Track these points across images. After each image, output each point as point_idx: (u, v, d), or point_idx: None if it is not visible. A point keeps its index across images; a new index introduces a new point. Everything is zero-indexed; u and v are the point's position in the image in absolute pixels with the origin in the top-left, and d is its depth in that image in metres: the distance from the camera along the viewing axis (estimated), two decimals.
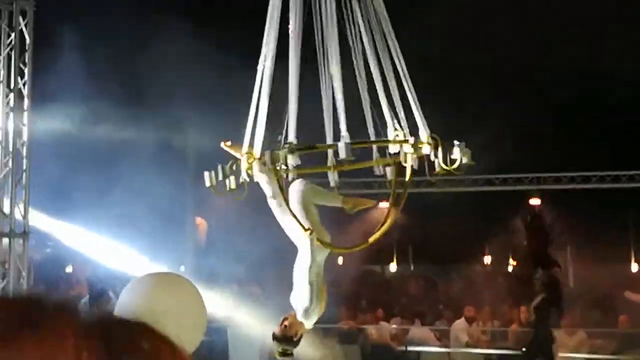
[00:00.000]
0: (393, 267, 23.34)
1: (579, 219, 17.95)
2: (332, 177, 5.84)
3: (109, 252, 15.50)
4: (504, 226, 19.87)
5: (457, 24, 13.11)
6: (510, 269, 22.64)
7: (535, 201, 15.85)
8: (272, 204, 5.75)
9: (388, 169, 5.94)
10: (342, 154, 5.61)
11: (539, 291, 13.30)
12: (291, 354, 5.78)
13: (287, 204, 5.69)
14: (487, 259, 24.18)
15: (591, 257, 19.28)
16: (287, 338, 5.69)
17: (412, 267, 23.79)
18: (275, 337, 5.74)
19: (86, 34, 11.00)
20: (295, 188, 5.85)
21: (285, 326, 5.68)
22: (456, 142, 5.88)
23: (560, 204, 16.98)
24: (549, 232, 18.99)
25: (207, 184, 5.90)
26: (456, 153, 5.83)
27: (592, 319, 15.32)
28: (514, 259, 22.06)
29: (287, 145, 5.72)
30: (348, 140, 5.68)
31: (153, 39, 11.35)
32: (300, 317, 5.68)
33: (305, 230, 5.59)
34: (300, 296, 5.66)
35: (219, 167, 5.87)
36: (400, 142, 5.80)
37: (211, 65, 10.59)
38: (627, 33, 12.41)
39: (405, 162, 5.80)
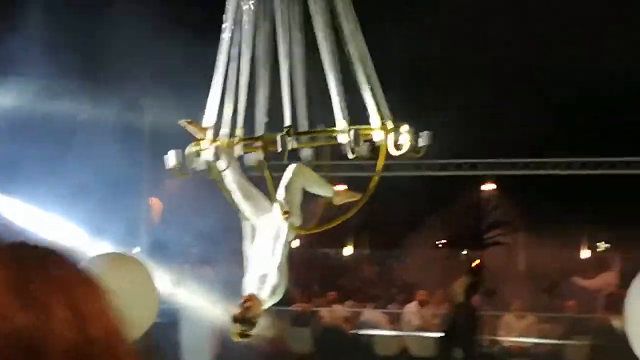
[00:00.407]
0: (348, 250, 23.43)
1: (531, 205, 18.15)
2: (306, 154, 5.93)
3: (61, 231, 15.36)
4: (456, 211, 20.01)
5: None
6: (463, 253, 22.86)
7: (488, 186, 15.98)
8: (235, 184, 5.79)
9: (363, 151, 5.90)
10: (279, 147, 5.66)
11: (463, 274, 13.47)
12: (249, 335, 5.77)
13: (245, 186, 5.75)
14: (441, 244, 24.38)
15: (543, 243, 19.53)
16: (247, 319, 5.67)
17: (367, 251, 23.88)
18: (235, 319, 5.72)
19: (42, 6, 10.84)
20: (289, 169, 5.94)
21: (247, 307, 5.66)
22: (425, 132, 5.94)
23: (513, 190, 17.16)
24: (485, 216, 19.17)
25: (172, 163, 5.83)
26: (421, 142, 5.89)
27: (541, 303, 15.53)
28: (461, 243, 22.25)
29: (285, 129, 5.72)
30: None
31: (113, 12, 11.20)
32: (265, 297, 5.70)
33: (284, 213, 5.60)
34: (269, 276, 5.65)
35: (185, 150, 5.84)
36: (342, 131, 5.82)
37: (171, 40, 10.48)
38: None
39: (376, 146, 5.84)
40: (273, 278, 5.72)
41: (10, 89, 10.95)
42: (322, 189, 6.08)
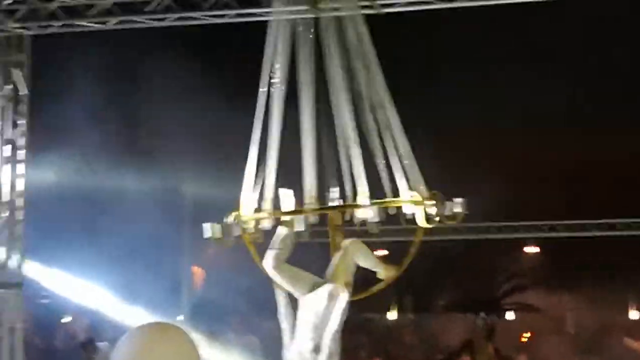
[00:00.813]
0: (392, 315, 23.18)
1: (577, 267, 17.93)
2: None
3: (106, 303, 15.44)
4: (497, 275, 19.82)
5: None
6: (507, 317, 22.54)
7: (531, 249, 15.83)
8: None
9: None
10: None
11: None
12: None
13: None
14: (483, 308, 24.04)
15: (590, 304, 19.22)
16: None
17: (411, 316, 23.63)
18: None
19: (82, 85, 11.06)
20: (347, 243, 6.03)
21: None
22: (458, 200, 5.96)
23: (556, 252, 16.95)
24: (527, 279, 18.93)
25: (207, 234, 5.92)
26: (456, 208, 5.91)
27: None
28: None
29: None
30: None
31: (150, 85, 11.40)
32: None
33: (346, 284, 5.79)
34: (324, 345, 5.73)
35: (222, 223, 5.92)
36: (403, 202, 5.86)
37: (210, 110, 10.62)
38: None
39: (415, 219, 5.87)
40: (330, 346, 5.74)
41: (54, 165, 11.14)
42: (373, 265, 6.14)
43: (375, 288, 5.99)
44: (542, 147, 14.41)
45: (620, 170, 13.96)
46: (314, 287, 5.94)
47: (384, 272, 6.20)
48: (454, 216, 5.92)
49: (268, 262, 5.90)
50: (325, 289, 5.86)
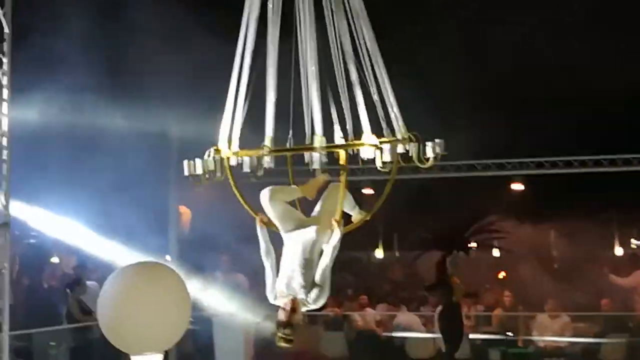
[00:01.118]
0: (378, 253, 23.41)
1: (562, 204, 18.05)
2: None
3: (94, 243, 15.47)
4: (484, 212, 19.95)
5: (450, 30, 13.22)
6: (496, 253, 22.76)
7: (517, 186, 15.91)
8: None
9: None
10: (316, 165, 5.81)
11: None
12: (292, 340, 5.87)
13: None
14: (473, 244, 24.27)
15: (575, 241, 19.43)
16: (291, 324, 5.79)
17: (397, 254, 23.84)
18: (281, 324, 5.81)
19: (66, 22, 10.93)
20: (333, 186, 6.17)
21: (294, 311, 5.76)
22: (435, 141, 5.95)
23: (542, 190, 17.04)
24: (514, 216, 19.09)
25: (186, 172, 5.97)
26: (430, 151, 5.91)
27: (575, 302, 15.44)
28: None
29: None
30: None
31: (137, 21, 11.27)
32: (311, 301, 5.81)
33: (337, 221, 5.84)
34: (317, 280, 5.80)
35: (201, 161, 5.94)
36: (373, 145, 5.86)
37: (196, 47, 10.52)
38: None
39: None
40: (322, 281, 5.82)
41: (38, 104, 11.06)
42: (292, 194, 6.22)
43: (345, 229, 6.02)
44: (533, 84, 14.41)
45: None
46: (302, 224, 6.00)
47: (356, 215, 6.27)
48: (433, 157, 5.94)
49: (265, 193, 5.97)
50: (314, 225, 5.93)
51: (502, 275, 18.93)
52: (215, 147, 5.96)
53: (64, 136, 11.72)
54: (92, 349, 12.75)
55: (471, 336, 14.47)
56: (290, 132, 6.10)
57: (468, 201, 18.40)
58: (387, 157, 5.79)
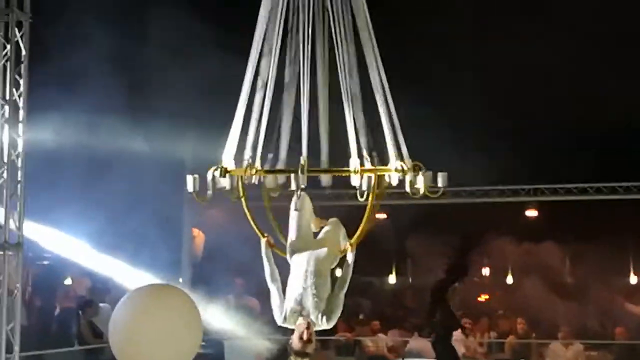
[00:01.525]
0: (392, 279, 23.32)
1: (577, 230, 17.95)
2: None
3: (107, 264, 15.46)
4: (500, 237, 19.83)
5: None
6: (509, 280, 22.62)
7: (531, 213, 15.88)
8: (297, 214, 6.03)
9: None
10: (300, 182, 5.81)
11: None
12: None
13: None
14: (486, 271, 24.15)
15: (590, 269, 19.29)
16: (307, 354, 5.73)
17: (410, 280, 23.74)
18: (295, 352, 5.76)
19: (84, 42, 11.00)
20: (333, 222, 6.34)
21: (309, 339, 5.71)
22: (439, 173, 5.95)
23: (557, 215, 16.97)
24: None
25: (190, 189, 5.96)
26: (440, 182, 5.90)
27: (589, 330, 15.32)
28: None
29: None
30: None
31: (151, 47, 11.33)
32: (325, 320, 5.79)
33: (351, 245, 5.98)
34: (329, 303, 5.81)
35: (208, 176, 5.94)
36: (372, 170, 5.88)
37: (215, 68, 10.55)
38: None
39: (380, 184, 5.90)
40: (336, 303, 5.85)
41: (53, 126, 11.10)
42: (342, 238, 6.28)
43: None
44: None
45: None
46: (310, 244, 6.02)
47: (316, 225, 6.38)
48: (436, 190, 5.92)
49: (306, 197, 6.08)
50: (324, 247, 5.94)
51: (514, 302, 18.79)
52: (221, 166, 5.95)
53: (79, 157, 11.77)
54: None
55: None
56: (270, 155, 6.08)
57: (481, 227, 18.34)
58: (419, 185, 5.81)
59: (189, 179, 5.98)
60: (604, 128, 13.91)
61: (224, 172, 5.91)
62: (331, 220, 6.34)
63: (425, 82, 13.46)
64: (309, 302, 5.78)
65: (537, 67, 13.48)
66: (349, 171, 5.89)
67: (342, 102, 5.94)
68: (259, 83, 5.92)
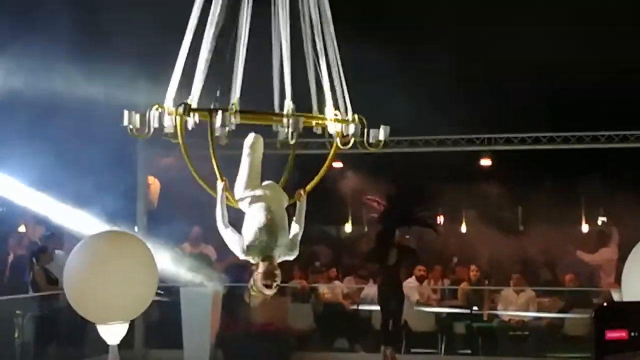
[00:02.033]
0: (348, 227, 23.47)
1: (529, 181, 18.18)
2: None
3: (61, 212, 15.34)
4: (453, 187, 20.00)
5: None
6: (463, 229, 22.88)
7: (485, 162, 16.02)
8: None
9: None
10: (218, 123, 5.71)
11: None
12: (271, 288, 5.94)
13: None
14: (439, 219, 24.40)
15: (542, 218, 19.56)
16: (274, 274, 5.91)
17: (365, 229, 23.92)
18: (258, 289, 5.91)
19: None
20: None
21: (274, 275, 5.89)
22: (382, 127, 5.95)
23: (510, 165, 17.14)
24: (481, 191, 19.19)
25: (125, 122, 5.90)
26: (380, 135, 5.91)
27: (540, 277, 15.60)
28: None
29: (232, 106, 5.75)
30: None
31: None
32: (288, 254, 6.02)
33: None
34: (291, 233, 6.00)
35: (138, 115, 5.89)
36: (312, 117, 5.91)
37: (169, 10, 10.40)
38: None
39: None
40: (296, 233, 6.03)
41: (4, 65, 10.91)
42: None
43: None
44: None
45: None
46: (257, 188, 6.08)
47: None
48: (376, 142, 5.95)
49: (259, 137, 6.15)
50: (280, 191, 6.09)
51: (467, 250, 19.04)
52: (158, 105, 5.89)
53: (30, 103, 11.59)
54: (58, 318, 12.73)
55: (437, 310, 14.60)
56: (218, 92, 6.01)
57: (436, 176, 18.47)
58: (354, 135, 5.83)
59: (125, 113, 5.91)
60: (558, 79, 14.03)
61: (188, 110, 5.80)
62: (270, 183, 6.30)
63: (382, 29, 13.46)
64: (272, 235, 5.86)
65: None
66: (281, 115, 5.86)
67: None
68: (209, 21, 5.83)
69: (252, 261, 5.93)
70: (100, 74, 11.50)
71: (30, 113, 11.71)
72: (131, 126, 5.88)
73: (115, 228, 13.60)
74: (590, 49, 13.14)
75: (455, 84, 14.27)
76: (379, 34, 13.14)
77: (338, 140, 5.95)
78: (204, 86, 5.87)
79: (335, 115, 5.94)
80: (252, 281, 5.91)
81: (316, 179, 6.17)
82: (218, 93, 5.88)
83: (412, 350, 14.23)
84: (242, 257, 5.94)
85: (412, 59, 13.49)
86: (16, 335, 12.06)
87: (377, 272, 14.17)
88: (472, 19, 13.60)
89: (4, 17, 10.43)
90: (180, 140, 5.91)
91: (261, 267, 5.87)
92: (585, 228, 21.37)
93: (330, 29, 5.93)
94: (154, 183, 15.63)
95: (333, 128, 5.95)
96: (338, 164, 19.25)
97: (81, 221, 14.11)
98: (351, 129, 5.89)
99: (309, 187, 6.14)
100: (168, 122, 5.83)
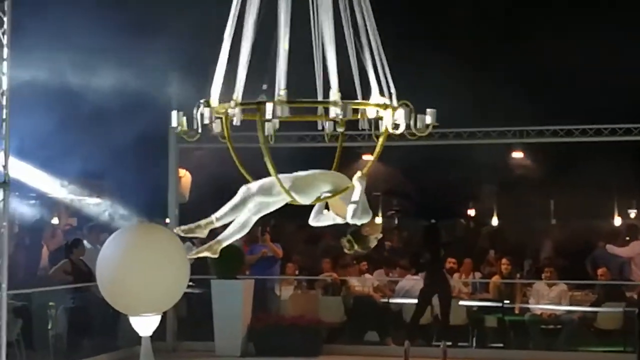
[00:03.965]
0: (378, 220, 23.44)
1: (562, 173, 18.10)
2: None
3: (93, 204, 15.47)
4: (485, 180, 19.98)
5: None
6: (495, 222, 22.80)
7: (517, 154, 15.96)
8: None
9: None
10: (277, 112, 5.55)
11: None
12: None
13: None
14: (471, 212, 24.35)
15: (574, 211, 19.46)
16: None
17: (396, 221, 23.91)
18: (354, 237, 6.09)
19: None
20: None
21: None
22: (428, 110, 5.88)
23: (543, 157, 17.08)
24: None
25: (174, 124, 5.84)
26: (428, 119, 5.84)
27: (573, 271, 15.48)
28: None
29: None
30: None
31: None
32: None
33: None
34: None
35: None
36: (363, 104, 5.82)
37: (199, 5, 10.43)
38: None
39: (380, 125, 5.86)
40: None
41: (39, 64, 11.00)
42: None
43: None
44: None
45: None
46: None
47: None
48: (424, 128, 5.88)
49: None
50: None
51: (500, 243, 18.95)
52: (206, 100, 5.82)
53: (63, 97, 11.68)
54: (90, 310, 12.83)
55: (468, 303, 14.54)
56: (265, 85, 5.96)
57: (468, 169, 18.43)
58: (400, 121, 5.77)
59: (174, 114, 5.87)
60: (593, 73, 13.95)
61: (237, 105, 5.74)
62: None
63: (417, 22, 13.46)
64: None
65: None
66: (328, 102, 5.79)
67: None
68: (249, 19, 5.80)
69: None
70: (134, 68, 11.57)
71: (62, 107, 11.80)
72: (179, 127, 5.83)
73: (146, 221, 13.71)
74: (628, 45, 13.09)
75: (487, 76, 14.22)
76: (415, 28, 13.16)
77: (388, 125, 5.86)
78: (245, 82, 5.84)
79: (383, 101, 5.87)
80: (350, 237, 6.08)
81: (369, 164, 6.11)
82: (264, 87, 5.83)
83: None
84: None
85: (445, 51, 13.47)
86: (50, 326, 12.18)
87: (422, 267, 14.07)
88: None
89: (41, 14, 10.50)
90: (226, 134, 5.84)
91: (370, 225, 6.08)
92: (617, 221, 21.23)
93: (372, 24, 5.88)
94: (185, 176, 15.69)
95: (384, 115, 5.85)
96: (368, 157, 19.26)
97: (113, 214, 14.23)
98: (399, 114, 5.83)
99: (365, 170, 6.08)
100: (213, 120, 5.77)
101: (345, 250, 6.27)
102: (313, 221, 6.26)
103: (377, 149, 5.94)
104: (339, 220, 6.13)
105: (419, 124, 5.81)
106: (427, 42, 13.57)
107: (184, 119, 5.80)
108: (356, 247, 6.15)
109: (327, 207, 6.23)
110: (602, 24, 13.23)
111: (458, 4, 13.73)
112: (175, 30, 11.20)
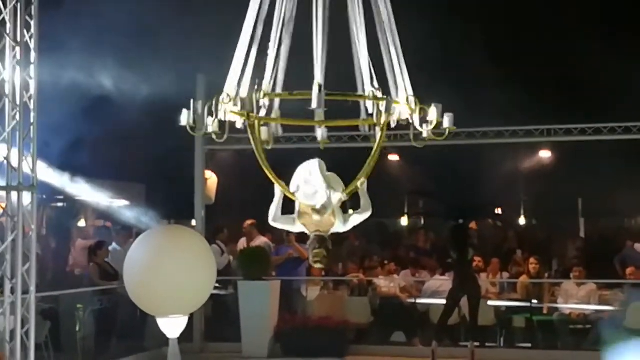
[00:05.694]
0: (404, 220, 23.42)
1: (590, 172, 17.94)
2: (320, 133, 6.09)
3: (120, 207, 15.53)
4: (512, 179, 19.85)
5: None
6: (522, 221, 22.68)
7: (544, 153, 15.83)
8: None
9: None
10: (314, 104, 5.55)
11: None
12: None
13: None
14: (499, 211, 24.21)
15: (602, 210, 19.31)
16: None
17: (422, 221, 23.83)
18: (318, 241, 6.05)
19: None
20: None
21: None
22: (433, 104, 5.85)
23: (570, 156, 16.94)
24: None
25: (183, 122, 5.88)
26: (432, 114, 5.80)
27: (602, 270, 15.35)
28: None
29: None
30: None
31: None
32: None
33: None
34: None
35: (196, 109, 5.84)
36: (373, 98, 5.77)
37: (226, 5, 10.44)
38: None
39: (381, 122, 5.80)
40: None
41: (66, 67, 11.05)
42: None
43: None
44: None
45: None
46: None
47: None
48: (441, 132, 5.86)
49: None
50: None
51: (527, 243, 18.84)
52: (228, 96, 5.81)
53: (86, 99, 11.73)
54: (118, 312, 12.89)
55: (496, 303, 14.46)
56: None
57: (495, 168, 18.32)
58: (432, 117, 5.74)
59: (184, 112, 5.90)
60: (620, 70, 13.84)
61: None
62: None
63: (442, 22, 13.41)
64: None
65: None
66: (363, 97, 5.78)
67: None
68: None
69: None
70: (159, 69, 11.60)
71: (86, 110, 11.86)
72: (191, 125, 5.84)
73: (173, 223, 13.75)
74: None
75: (514, 75, 14.15)
76: (440, 26, 13.11)
77: (423, 126, 5.83)
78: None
79: (408, 102, 5.85)
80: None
81: (369, 164, 6.06)
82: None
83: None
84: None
85: (475, 52, 13.44)
86: (77, 328, 12.23)
87: (451, 267, 14.00)
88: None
89: (66, 17, 10.56)
90: (252, 136, 5.86)
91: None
92: None
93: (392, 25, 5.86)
94: (211, 178, 15.71)
95: (414, 116, 5.82)
96: (395, 157, 19.22)
97: (139, 216, 14.27)
98: (432, 113, 5.80)
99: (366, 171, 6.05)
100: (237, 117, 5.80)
101: (317, 265, 6.21)
102: (275, 221, 6.23)
103: (377, 147, 5.92)
104: (301, 230, 6.12)
105: (445, 123, 5.80)
106: (456, 42, 13.50)
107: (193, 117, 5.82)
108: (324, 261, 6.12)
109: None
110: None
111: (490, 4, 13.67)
112: (204, 35, 11.23)
